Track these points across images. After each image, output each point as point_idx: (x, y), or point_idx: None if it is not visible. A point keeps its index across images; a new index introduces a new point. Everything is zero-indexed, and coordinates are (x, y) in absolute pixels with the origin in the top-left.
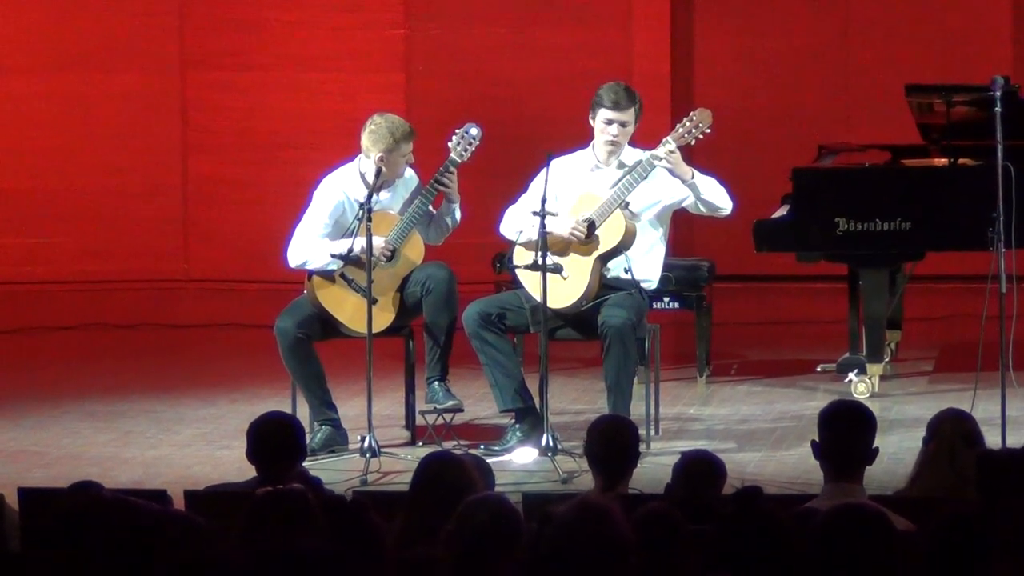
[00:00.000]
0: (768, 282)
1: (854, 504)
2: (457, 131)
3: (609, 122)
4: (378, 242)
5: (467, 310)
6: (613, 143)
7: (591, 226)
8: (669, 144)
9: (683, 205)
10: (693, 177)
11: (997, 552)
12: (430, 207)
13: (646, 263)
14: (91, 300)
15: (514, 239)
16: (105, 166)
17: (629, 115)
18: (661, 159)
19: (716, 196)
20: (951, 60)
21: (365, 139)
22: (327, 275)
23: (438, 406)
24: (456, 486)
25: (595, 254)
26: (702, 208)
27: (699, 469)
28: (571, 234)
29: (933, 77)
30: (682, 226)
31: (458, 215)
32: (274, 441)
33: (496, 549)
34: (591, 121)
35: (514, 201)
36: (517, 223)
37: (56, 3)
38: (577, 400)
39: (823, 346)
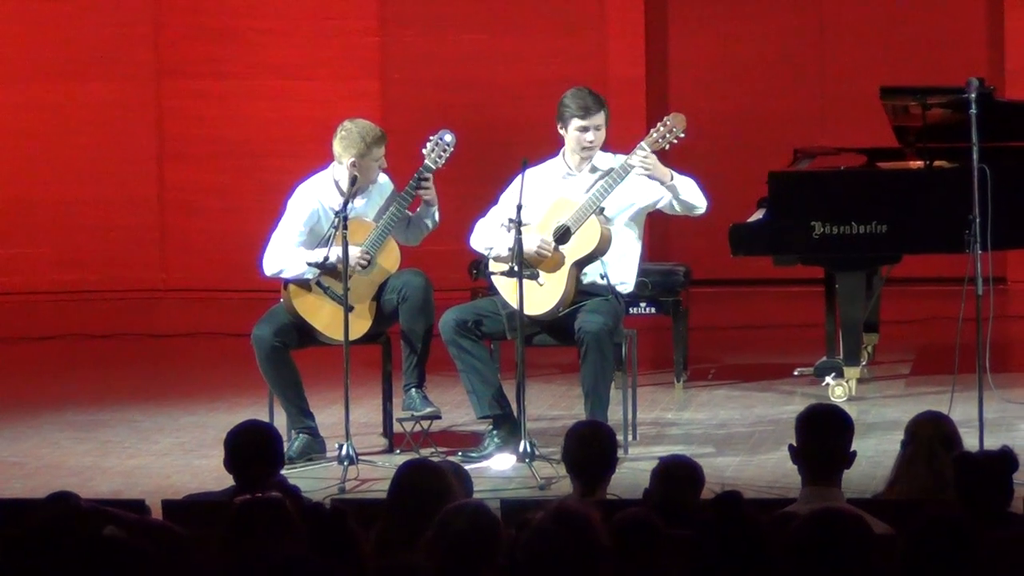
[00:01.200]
0: (745, 286)
1: (832, 508)
2: (432, 137)
3: (584, 129)
4: (355, 251)
5: (443, 317)
6: (589, 148)
7: (565, 232)
8: (643, 150)
9: (658, 207)
10: (673, 179)
11: (980, 557)
12: (407, 211)
13: (621, 266)
14: (69, 310)
15: (485, 253)
16: (81, 175)
17: (600, 118)
18: (635, 166)
19: (692, 195)
20: (926, 62)
21: (337, 145)
22: (303, 283)
23: (415, 413)
24: (434, 493)
25: (570, 260)
26: (677, 208)
27: (677, 473)
28: (538, 252)
29: (908, 79)
30: (658, 231)
31: (437, 216)
32: (251, 450)
33: (476, 557)
34: (560, 131)
35: (484, 214)
36: (486, 238)
37: (31, 13)
38: (554, 406)
39: (800, 350)
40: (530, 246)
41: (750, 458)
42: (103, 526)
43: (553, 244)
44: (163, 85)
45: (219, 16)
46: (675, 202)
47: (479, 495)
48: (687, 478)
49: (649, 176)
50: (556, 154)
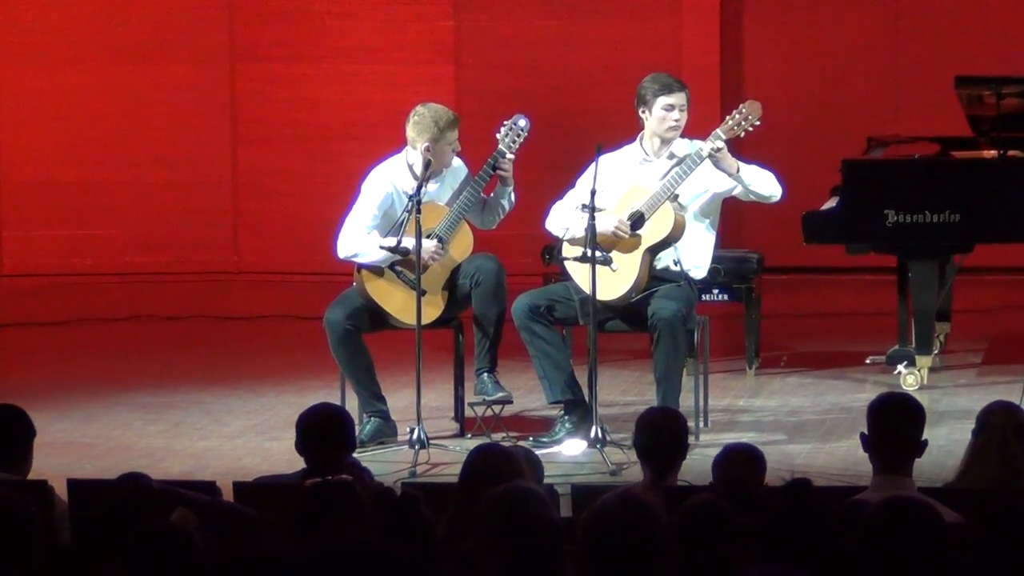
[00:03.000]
0: (817, 274)
1: (903, 496)
2: (505, 122)
3: (669, 108)
4: (430, 245)
5: (516, 302)
6: (675, 128)
7: (640, 218)
8: (719, 138)
9: (733, 194)
10: (739, 171)
11: None
12: (481, 194)
13: (695, 253)
14: (141, 292)
15: (560, 236)
16: (155, 158)
17: (683, 98)
18: (705, 156)
19: (764, 185)
20: (1001, 51)
21: (410, 130)
22: (376, 267)
23: (487, 398)
24: (505, 478)
25: (644, 246)
26: (751, 196)
27: (738, 460)
28: (615, 232)
29: (983, 68)
30: (731, 218)
31: (513, 197)
32: (323, 432)
33: (535, 544)
34: (642, 114)
35: (561, 197)
36: (562, 219)
37: None
38: (626, 392)
39: (872, 338)
40: (606, 227)
41: (821, 446)
42: (174, 507)
43: (629, 226)
44: (237, 68)
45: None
46: (747, 191)
47: (550, 480)
48: (748, 464)
49: (716, 166)
50: (633, 140)
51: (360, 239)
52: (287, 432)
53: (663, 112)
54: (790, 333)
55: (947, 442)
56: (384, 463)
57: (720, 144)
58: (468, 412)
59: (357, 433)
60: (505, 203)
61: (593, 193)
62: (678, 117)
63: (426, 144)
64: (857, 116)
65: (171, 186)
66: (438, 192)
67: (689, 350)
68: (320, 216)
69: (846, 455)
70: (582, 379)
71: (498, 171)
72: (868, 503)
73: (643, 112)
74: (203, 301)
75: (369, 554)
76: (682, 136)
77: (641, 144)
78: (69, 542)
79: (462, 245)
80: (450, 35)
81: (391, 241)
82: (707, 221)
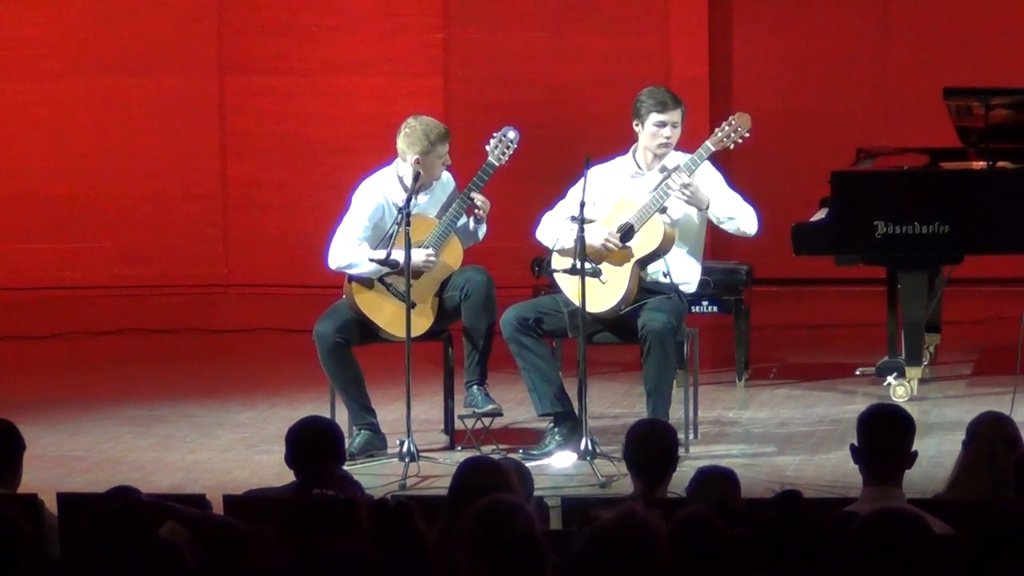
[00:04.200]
0: (807, 285)
1: (893, 508)
2: (495, 135)
3: (661, 124)
4: (420, 253)
5: (505, 314)
6: (665, 145)
7: (629, 230)
8: (707, 149)
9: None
10: (708, 208)
11: None
12: (464, 213)
13: (685, 267)
14: (131, 305)
15: (550, 246)
16: (144, 170)
17: (677, 115)
18: (674, 190)
19: (736, 223)
20: (990, 63)
21: (400, 142)
22: (366, 280)
23: (477, 410)
24: (495, 491)
25: (633, 259)
26: (725, 228)
27: (713, 482)
28: (604, 244)
29: (972, 80)
30: (720, 229)
31: (481, 233)
32: (313, 445)
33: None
34: (636, 127)
35: (552, 207)
36: (553, 230)
37: (95, 7)
38: (616, 404)
39: (862, 349)
40: (596, 239)
41: (811, 457)
42: (164, 521)
43: (619, 239)
44: (226, 81)
45: (283, 12)
46: (719, 227)
47: (540, 492)
48: (723, 486)
49: (687, 202)
50: (625, 152)
51: (351, 249)
52: (277, 445)
53: (655, 128)
54: (780, 345)
55: (937, 453)
56: (374, 476)
57: (686, 181)
58: (458, 425)
59: (347, 446)
60: (479, 235)
61: (582, 206)
62: (669, 134)
63: (416, 156)
64: (846, 127)
65: (160, 199)
66: (427, 204)
67: (679, 362)
68: (310, 229)
69: (836, 466)
70: (572, 391)
71: (474, 213)
72: (858, 514)
73: (637, 125)
74: (193, 314)
75: (363, 565)
76: (676, 149)
77: (634, 156)
78: (59, 556)
79: (452, 257)
80: (439, 48)
81: (381, 253)
82: (697, 236)
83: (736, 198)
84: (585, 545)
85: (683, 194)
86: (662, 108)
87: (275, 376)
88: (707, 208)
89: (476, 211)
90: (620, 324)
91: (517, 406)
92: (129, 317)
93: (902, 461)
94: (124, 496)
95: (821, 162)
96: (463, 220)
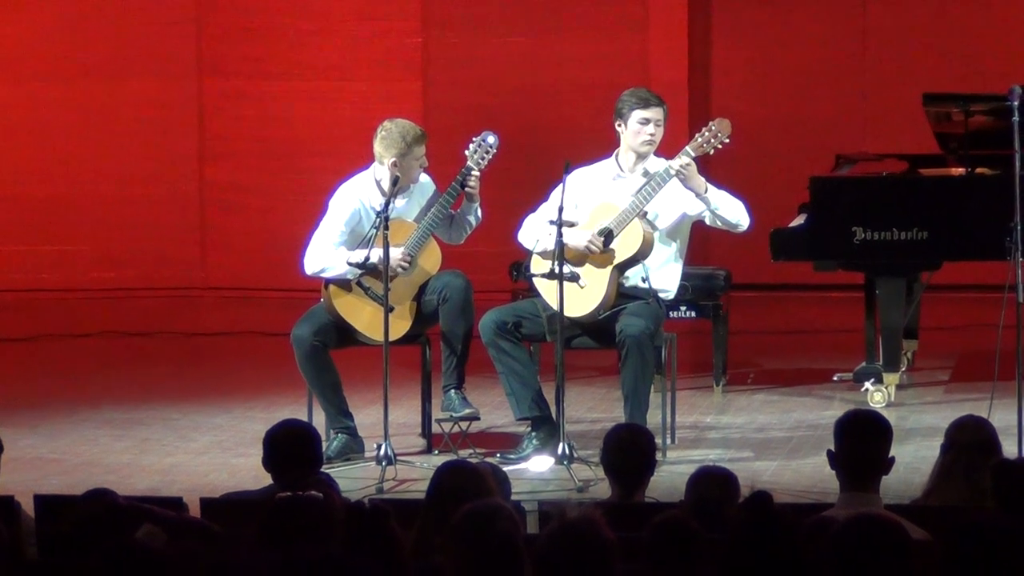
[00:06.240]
0: (785, 291)
1: (870, 513)
2: (474, 139)
3: (645, 121)
4: (396, 253)
5: (483, 318)
6: (649, 143)
7: (609, 235)
8: (687, 155)
9: (701, 217)
10: (707, 191)
11: (1019, 564)
12: (449, 210)
13: (664, 274)
14: (108, 308)
15: (531, 248)
16: (122, 174)
17: (660, 113)
18: (673, 173)
19: (731, 212)
20: (969, 69)
21: (377, 145)
22: (343, 283)
23: (454, 414)
24: (472, 494)
25: (613, 263)
26: (718, 222)
27: (711, 482)
28: (587, 247)
29: (951, 86)
30: (698, 235)
31: (480, 213)
32: (290, 449)
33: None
34: (618, 127)
35: (534, 209)
36: (535, 232)
37: (73, 10)
38: (593, 409)
39: (840, 355)
40: (579, 242)
41: (788, 463)
42: (141, 523)
43: (602, 240)
44: (204, 84)
45: (261, 16)
46: (713, 216)
47: (517, 497)
48: (722, 486)
49: (683, 183)
50: (608, 155)
51: (327, 254)
52: (254, 448)
53: (638, 126)
54: (757, 350)
55: (914, 459)
56: (351, 479)
57: (688, 160)
58: (435, 428)
59: (324, 449)
60: (472, 219)
61: (561, 210)
62: (653, 131)
63: (393, 159)
64: (825, 133)
65: (139, 202)
66: (406, 208)
67: (657, 367)
68: (287, 232)
69: (813, 472)
70: (549, 396)
71: (465, 188)
72: (835, 520)
73: (619, 125)
74: (170, 317)
75: (335, 569)
76: (656, 154)
77: (616, 159)
78: (36, 558)
79: (431, 261)
80: (418, 52)
81: (359, 256)
82: (676, 245)
83: (726, 192)
84: (539, 550)
85: (682, 173)
86: (645, 104)
87: (252, 379)
88: (705, 192)
89: (471, 190)
90: (598, 329)
91: (495, 410)
92: (107, 320)
93: (879, 467)
94: (101, 498)
95: (800, 168)
96: (451, 214)
